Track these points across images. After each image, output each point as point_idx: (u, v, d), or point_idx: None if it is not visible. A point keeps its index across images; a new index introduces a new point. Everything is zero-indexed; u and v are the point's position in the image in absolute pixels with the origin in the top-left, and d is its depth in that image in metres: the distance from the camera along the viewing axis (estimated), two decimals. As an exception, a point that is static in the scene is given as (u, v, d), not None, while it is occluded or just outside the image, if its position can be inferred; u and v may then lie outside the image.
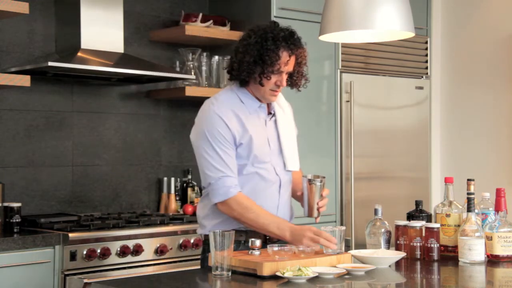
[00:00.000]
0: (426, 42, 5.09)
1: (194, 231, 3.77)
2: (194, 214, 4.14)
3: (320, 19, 2.86)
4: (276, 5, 4.25)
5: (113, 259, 3.52)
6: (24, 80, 3.52)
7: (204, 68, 4.31)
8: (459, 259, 2.73)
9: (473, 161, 5.01)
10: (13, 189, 3.85)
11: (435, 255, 2.77)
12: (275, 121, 2.90)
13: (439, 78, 5.21)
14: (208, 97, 2.92)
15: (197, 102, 3.86)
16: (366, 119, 4.66)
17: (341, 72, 4.55)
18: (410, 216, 2.98)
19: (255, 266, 2.42)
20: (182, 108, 4.51)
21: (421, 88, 5.03)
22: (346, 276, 2.44)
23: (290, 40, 2.77)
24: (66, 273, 3.39)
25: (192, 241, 3.78)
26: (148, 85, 4.36)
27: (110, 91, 4.25)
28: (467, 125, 5.09)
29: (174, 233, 3.75)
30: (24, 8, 3.50)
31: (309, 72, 2.94)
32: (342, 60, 4.55)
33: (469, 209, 2.74)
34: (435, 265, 2.72)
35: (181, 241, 3.75)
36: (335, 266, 2.50)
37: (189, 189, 4.40)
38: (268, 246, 2.57)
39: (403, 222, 2.88)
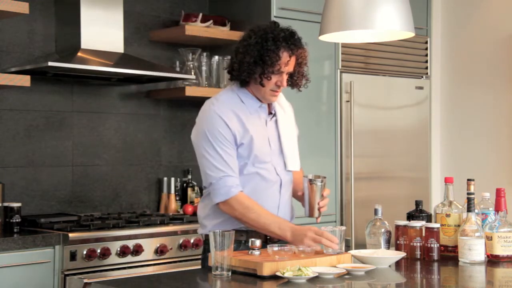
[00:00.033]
0: (426, 42, 5.09)
1: (194, 231, 3.77)
2: (194, 214, 4.15)
3: (320, 19, 2.86)
4: (276, 5, 4.25)
5: (113, 259, 3.52)
6: (24, 80, 3.52)
7: (204, 68, 4.31)
8: (459, 259, 2.73)
9: (473, 161, 5.01)
10: (13, 189, 3.85)
11: (435, 255, 2.77)
12: (276, 121, 2.90)
13: (439, 78, 5.21)
14: (208, 97, 2.92)
15: (197, 102, 3.86)
16: (366, 119, 4.66)
17: (341, 72, 4.55)
18: (410, 216, 2.98)
19: (255, 266, 2.42)
20: (182, 108, 4.51)
21: (421, 88, 5.03)
22: (346, 276, 2.44)
23: (291, 41, 2.76)
24: (66, 273, 3.39)
25: (192, 241, 3.78)
26: (148, 85, 4.36)
27: (110, 91, 4.25)
28: (467, 125, 5.09)
29: (174, 233, 3.75)
30: (24, 8, 3.50)
31: (309, 72, 2.94)
32: (342, 60, 4.55)
33: (469, 209, 2.74)
34: (435, 265, 2.72)
35: (181, 241, 3.75)
36: (335, 266, 2.50)
37: (189, 189, 4.40)
38: (268, 246, 2.57)
39: (403, 222, 2.88)
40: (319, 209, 2.80)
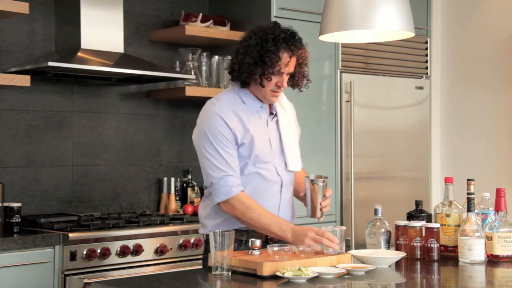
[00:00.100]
0: (426, 42, 5.09)
1: (194, 231, 3.77)
2: (194, 214, 4.15)
3: (320, 19, 2.86)
4: (276, 5, 4.25)
5: (113, 259, 3.52)
6: (24, 80, 3.52)
7: (204, 68, 4.31)
8: (459, 259, 2.73)
9: (473, 161, 5.01)
10: (13, 189, 3.85)
11: (435, 255, 2.77)
12: (277, 122, 2.90)
13: (439, 78, 5.21)
14: (208, 97, 2.92)
15: (197, 102, 3.87)
16: (366, 119, 4.66)
17: (341, 72, 4.55)
18: (410, 216, 2.98)
19: (255, 266, 2.42)
20: (182, 108, 4.51)
21: (421, 88, 5.03)
22: (346, 276, 2.44)
23: (291, 41, 2.76)
24: (66, 273, 3.39)
25: (192, 241, 3.78)
26: (148, 85, 4.36)
27: (110, 91, 4.25)
28: (467, 125, 5.09)
29: (174, 233, 3.75)
30: (24, 8, 3.50)
31: (309, 72, 2.94)
32: (342, 60, 4.55)
33: (469, 209, 2.74)
34: (435, 265, 2.72)
35: (181, 241, 3.75)
36: (335, 266, 2.50)
37: (189, 189, 4.40)
38: (268, 246, 2.57)
39: (403, 222, 2.88)
40: (321, 209, 2.80)
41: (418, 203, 3.02)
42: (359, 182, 4.59)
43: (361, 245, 3.06)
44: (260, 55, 2.73)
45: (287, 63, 2.77)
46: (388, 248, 2.86)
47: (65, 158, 4.06)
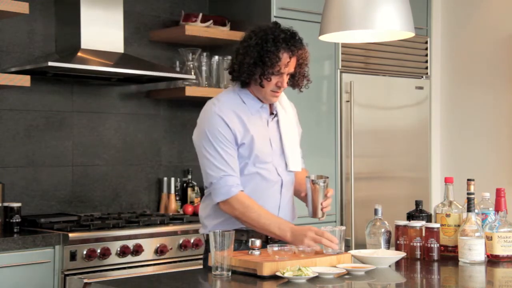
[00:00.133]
0: (426, 42, 5.09)
1: (194, 231, 3.77)
2: (194, 214, 4.15)
3: (320, 19, 2.86)
4: (276, 5, 4.25)
5: (113, 259, 3.52)
6: (24, 80, 3.52)
7: (204, 68, 4.31)
8: (459, 259, 2.73)
9: (473, 161, 5.01)
10: (13, 189, 3.85)
11: (435, 255, 2.77)
12: (278, 122, 2.90)
13: (439, 78, 5.21)
14: (208, 97, 2.92)
15: (197, 102, 3.87)
16: (366, 119, 4.66)
17: (341, 72, 4.55)
18: (410, 216, 2.98)
19: (255, 266, 2.42)
20: (182, 108, 4.50)
21: (421, 88, 5.03)
22: (346, 276, 2.44)
23: (291, 42, 2.76)
24: (66, 273, 3.39)
25: (192, 241, 3.78)
26: (148, 85, 4.36)
27: (110, 91, 4.25)
28: (467, 125, 5.09)
29: (174, 233, 3.75)
30: (24, 8, 3.50)
31: (309, 72, 2.94)
32: (342, 60, 4.55)
33: (469, 209, 2.74)
34: (435, 265, 2.72)
35: (181, 241, 3.75)
36: (335, 266, 2.50)
37: (189, 189, 4.40)
38: (268, 246, 2.57)
39: (403, 222, 2.88)
40: (322, 209, 2.80)
41: (418, 203, 3.02)
42: (359, 182, 4.59)
43: (361, 245, 3.06)
44: (260, 56, 2.73)
45: (287, 63, 2.77)
46: (388, 248, 2.86)
47: (65, 158, 4.06)
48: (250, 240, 2.60)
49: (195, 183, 4.41)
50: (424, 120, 5.06)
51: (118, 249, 3.54)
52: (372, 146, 4.71)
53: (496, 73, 4.91)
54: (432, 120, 5.13)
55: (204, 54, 4.32)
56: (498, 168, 4.86)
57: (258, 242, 2.56)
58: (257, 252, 2.55)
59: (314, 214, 2.81)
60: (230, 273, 2.43)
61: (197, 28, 4.25)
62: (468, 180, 2.78)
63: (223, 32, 4.33)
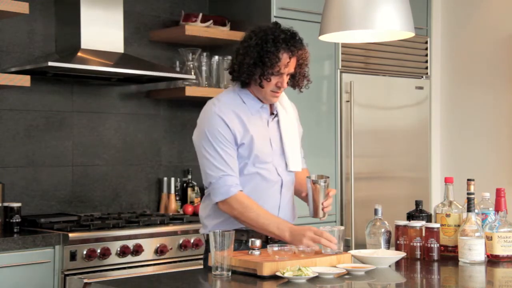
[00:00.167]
0: (426, 42, 5.09)
1: (194, 231, 3.77)
2: (194, 214, 4.15)
3: (320, 19, 2.86)
4: (276, 5, 4.25)
5: (113, 259, 3.52)
6: (24, 80, 3.52)
7: (204, 68, 4.31)
8: (459, 259, 2.73)
9: (473, 161, 5.01)
10: (13, 189, 3.85)
11: (435, 255, 2.77)
12: (278, 122, 2.90)
13: (439, 78, 5.21)
14: (208, 97, 2.92)
15: (197, 102, 3.87)
16: (366, 119, 4.66)
17: (341, 72, 4.55)
18: (410, 216, 2.98)
19: (255, 266, 2.42)
20: (182, 108, 4.50)
21: (421, 88, 5.03)
22: (346, 276, 2.44)
23: (291, 42, 2.76)
24: (66, 273, 3.39)
25: (192, 241, 3.78)
26: (148, 85, 4.36)
27: (110, 91, 4.25)
28: (467, 125, 5.09)
29: (174, 233, 3.75)
30: (24, 8, 3.50)
31: (309, 72, 2.94)
32: (342, 60, 4.55)
33: (469, 209, 2.74)
34: (435, 265, 2.72)
35: (181, 241, 3.75)
36: (335, 266, 2.50)
37: (189, 189, 4.40)
38: (268, 246, 2.57)
39: (403, 222, 2.88)
40: (323, 209, 2.80)
41: (418, 203, 3.02)
42: (359, 182, 4.59)
43: (361, 245, 3.06)
44: (260, 56, 2.73)
45: (287, 63, 2.76)
46: (388, 248, 2.86)
47: (65, 158, 4.06)
48: (250, 240, 2.60)
49: (195, 183, 4.41)
50: (424, 120, 5.06)
51: (118, 249, 3.54)
52: (372, 146, 4.71)
53: (496, 73, 4.91)
54: (432, 120, 5.13)
55: (204, 54, 4.32)
56: (498, 168, 4.86)
57: (258, 242, 2.57)
58: (257, 252, 2.55)
59: (315, 214, 2.81)
60: (230, 273, 2.43)
61: (197, 28, 4.25)
62: (468, 180, 2.78)
63: (223, 32, 4.33)
